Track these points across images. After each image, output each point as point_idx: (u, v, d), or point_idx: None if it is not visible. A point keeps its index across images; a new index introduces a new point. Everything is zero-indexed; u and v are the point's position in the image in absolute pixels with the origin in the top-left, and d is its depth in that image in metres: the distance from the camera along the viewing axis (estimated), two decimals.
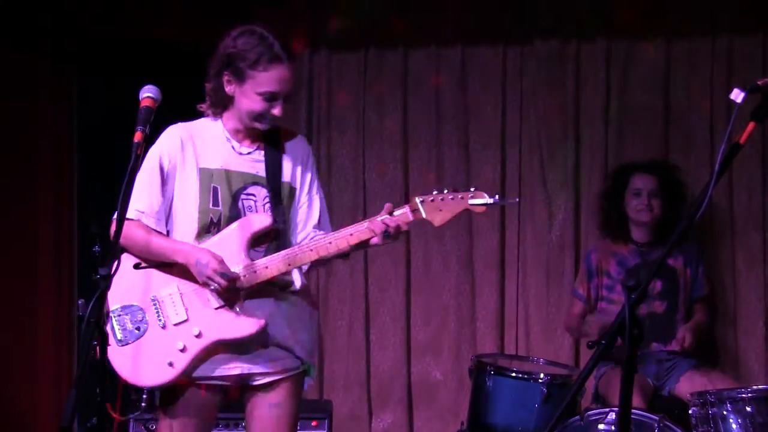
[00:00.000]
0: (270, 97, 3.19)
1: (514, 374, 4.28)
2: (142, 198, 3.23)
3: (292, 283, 3.31)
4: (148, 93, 3.00)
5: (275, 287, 3.27)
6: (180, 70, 4.40)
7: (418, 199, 3.19)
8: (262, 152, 3.32)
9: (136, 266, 3.25)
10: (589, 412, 3.96)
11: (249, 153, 3.32)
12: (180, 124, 3.34)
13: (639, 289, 2.34)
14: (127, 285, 3.22)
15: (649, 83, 5.26)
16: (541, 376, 4.21)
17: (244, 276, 3.17)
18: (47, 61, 5.37)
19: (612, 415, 3.88)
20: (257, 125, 3.25)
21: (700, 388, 4.13)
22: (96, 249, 4.90)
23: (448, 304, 5.40)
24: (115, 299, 3.21)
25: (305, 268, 3.35)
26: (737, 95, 2.40)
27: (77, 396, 2.59)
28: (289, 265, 3.20)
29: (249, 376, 3.27)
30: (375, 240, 3.18)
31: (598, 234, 5.07)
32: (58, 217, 5.48)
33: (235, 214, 3.25)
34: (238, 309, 3.20)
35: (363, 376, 5.41)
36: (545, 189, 5.32)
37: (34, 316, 5.33)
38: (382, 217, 3.16)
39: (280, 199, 3.30)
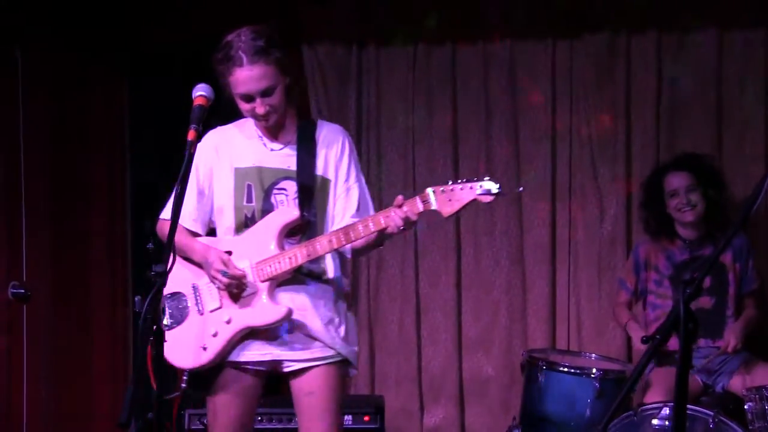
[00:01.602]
0: (246, 99, 3.30)
1: (566, 369, 4.25)
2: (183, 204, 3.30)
3: (324, 272, 3.42)
4: (201, 92, 3.06)
5: (307, 277, 3.38)
6: None
7: (429, 190, 3.23)
8: (295, 147, 3.42)
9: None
10: (643, 407, 3.93)
11: (281, 149, 3.42)
12: (216, 129, 3.48)
13: (694, 283, 2.32)
14: (174, 274, 3.26)
15: (701, 75, 5.20)
16: (594, 371, 4.18)
17: (264, 269, 3.30)
18: (103, 60, 5.44)
19: (666, 410, 3.85)
20: (260, 124, 3.39)
21: (755, 383, 4.09)
22: (150, 246, 4.95)
23: (498, 299, 5.39)
24: (167, 286, 3.28)
25: (348, 255, 3.49)
26: None
27: (134, 392, 2.63)
28: (308, 255, 3.28)
29: (279, 363, 3.40)
30: (390, 229, 3.24)
31: None
32: (111, 215, 5.54)
33: (268, 209, 3.38)
34: (266, 297, 3.32)
35: (414, 371, 5.42)
36: (596, 183, 5.28)
37: (90, 313, 5.40)
38: (393, 209, 3.22)
39: (312, 192, 3.39)
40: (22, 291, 4.68)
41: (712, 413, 3.82)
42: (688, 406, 3.78)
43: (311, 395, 3.38)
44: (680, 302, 2.30)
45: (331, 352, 3.41)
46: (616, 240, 5.26)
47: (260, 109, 3.29)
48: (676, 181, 4.71)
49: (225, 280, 3.29)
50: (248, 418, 3.49)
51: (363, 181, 3.52)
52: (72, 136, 5.29)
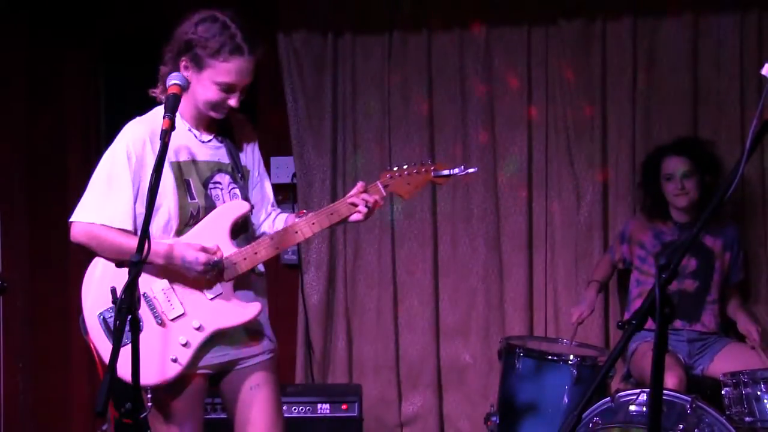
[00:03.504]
0: (227, 89, 3.17)
1: (543, 356, 4.27)
2: (111, 201, 3.17)
3: (262, 268, 3.40)
4: (175, 80, 3.03)
5: (251, 272, 3.33)
6: None
7: (387, 174, 3.32)
8: (220, 138, 3.34)
9: (120, 265, 3.03)
10: (620, 394, 3.95)
11: (209, 141, 3.32)
12: (139, 119, 3.28)
13: (670, 268, 2.32)
14: (113, 285, 2.98)
15: (676, 60, 5.20)
16: (571, 357, 4.20)
17: (228, 267, 3.21)
18: (76, 53, 5.40)
19: (643, 396, 3.87)
20: (213, 114, 3.24)
21: (733, 368, 4.11)
22: None
23: (476, 286, 5.39)
24: (102, 302, 3.19)
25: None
26: None
27: (111, 382, 2.62)
28: (277, 248, 3.26)
29: (236, 361, 3.33)
30: (356, 216, 3.28)
31: (629, 214, 5.08)
32: None
33: (209, 205, 3.25)
34: (233, 297, 3.25)
35: (392, 359, 5.42)
36: (572, 170, 5.29)
37: (67, 304, 5.37)
38: (359, 195, 3.26)
39: (245, 184, 3.36)
40: None
41: (689, 399, 3.83)
42: (666, 391, 3.80)
43: (258, 388, 3.33)
44: (656, 286, 2.30)
45: (272, 346, 3.43)
46: (592, 227, 5.26)
47: (235, 102, 3.19)
48: (673, 164, 4.73)
49: (215, 269, 3.18)
50: (198, 424, 3.33)
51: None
52: (47, 127, 5.27)
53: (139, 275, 2.76)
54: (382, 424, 5.38)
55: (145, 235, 2.80)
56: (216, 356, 3.28)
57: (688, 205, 4.71)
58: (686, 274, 4.71)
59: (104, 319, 3.20)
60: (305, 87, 5.41)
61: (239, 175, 3.34)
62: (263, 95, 5.41)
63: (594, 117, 5.27)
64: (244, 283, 3.31)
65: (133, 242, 2.96)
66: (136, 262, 2.77)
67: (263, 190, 3.49)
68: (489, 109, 5.36)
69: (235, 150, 3.35)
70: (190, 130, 3.29)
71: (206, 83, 3.17)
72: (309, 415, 4.56)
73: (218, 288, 3.23)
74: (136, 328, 2.81)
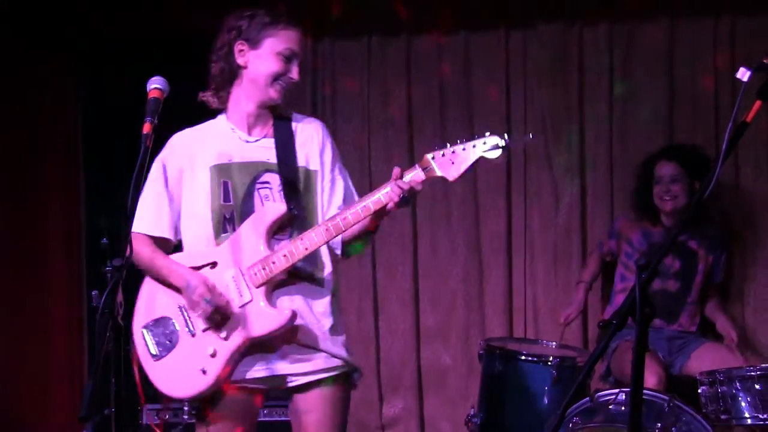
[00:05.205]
0: (290, 56, 3.14)
1: (523, 358, 4.27)
2: (149, 211, 3.17)
3: (320, 270, 3.17)
4: (155, 84, 2.98)
5: (301, 277, 3.13)
6: (187, 65, 4.39)
7: (429, 156, 3.04)
8: (272, 139, 3.21)
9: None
10: (599, 394, 3.97)
11: (257, 141, 3.22)
12: (184, 131, 3.28)
13: (649, 268, 2.34)
14: (156, 298, 3.14)
15: (652, 64, 5.25)
16: (551, 359, 4.21)
17: (257, 273, 3.05)
18: (53, 59, 5.39)
19: (622, 396, 3.89)
20: (273, 94, 3.16)
21: (709, 367, 4.14)
22: (104, 241, 4.92)
23: (456, 288, 5.42)
24: (145, 314, 3.16)
25: (337, 251, 3.23)
26: (743, 74, 2.40)
27: (93, 386, 2.60)
28: (306, 249, 3.03)
29: (280, 378, 3.13)
30: (390, 206, 3.02)
31: (607, 216, 5.13)
32: (66, 212, 5.51)
33: (249, 207, 3.14)
34: (264, 303, 3.05)
35: (373, 362, 5.43)
36: (551, 173, 5.32)
37: (46, 309, 5.36)
38: (394, 183, 3.01)
39: (296, 184, 3.17)
40: None
41: (667, 398, 3.86)
42: (644, 391, 3.82)
43: (306, 413, 3.14)
44: (636, 287, 2.32)
45: (336, 363, 3.16)
46: (571, 229, 5.30)
47: (296, 74, 3.15)
48: (663, 169, 4.77)
49: (209, 308, 3.02)
50: None
51: (346, 171, 3.34)
52: (23, 134, 5.25)
53: (121, 279, 2.69)
54: (364, 426, 5.38)
55: (127, 239, 2.75)
56: (257, 370, 3.11)
57: (673, 209, 4.74)
58: (670, 274, 4.76)
59: (146, 333, 3.15)
60: None
61: (292, 176, 3.17)
62: None
63: (572, 120, 5.30)
64: (287, 287, 3.12)
65: (160, 261, 3.12)
66: (117, 267, 2.75)
67: (333, 191, 3.25)
68: (467, 112, 5.39)
69: (290, 151, 3.20)
70: (233, 130, 3.22)
71: (267, 56, 3.15)
72: (289, 418, 4.56)
73: (248, 294, 3.07)
74: (119, 333, 2.79)
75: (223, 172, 3.16)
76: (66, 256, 5.47)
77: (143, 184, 2.84)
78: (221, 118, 3.26)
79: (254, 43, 3.15)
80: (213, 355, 3.05)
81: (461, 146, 3.03)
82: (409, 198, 3.01)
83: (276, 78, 3.15)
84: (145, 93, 2.98)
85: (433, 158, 3.03)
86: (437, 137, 5.38)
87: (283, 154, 3.19)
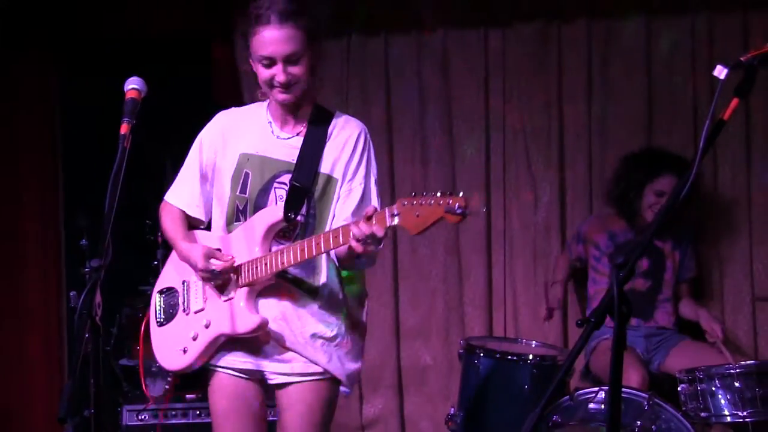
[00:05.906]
0: (268, 63, 3.02)
1: (503, 356, 4.28)
2: (179, 182, 3.28)
3: (316, 280, 3.12)
4: (133, 85, 2.97)
5: (293, 284, 3.11)
6: (164, 67, 4.38)
7: (403, 201, 2.71)
8: (302, 139, 3.12)
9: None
10: (579, 392, 3.99)
11: (288, 138, 3.15)
12: (228, 110, 3.28)
13: (627, 266, 2.35)
14: (173, 267, 3.27)
15: (630, 62, 5.27)
16: (530, 357, 4.22)
17: (244, 272, 3.06)
18: (30, 58, 5.35)
19: (602, 394, 3.90)
20: (279, 97, 3.07)
21: (688, 365, 4.16)
22: (83, 242, 4.91)
23: (436, 288, 5.42)
24: (162, 280, 3.30)
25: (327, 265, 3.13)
26: (720, 72, 2.40)
27: (72, 388, 2.59)
28: (283, 264, 2.97)
29: (261, 373, 3.16)
30: (355, 246, 2.79)
31: (586, 214, 5.14)
32: (44, 213, 5.48)
33: (263, 202, 3.11)
34: (243, 303, 3.07)
35: None
36: (530, 171, 5.33)
37: (23, 310, 5.33)
38: (361, 222, 2.78)
39: (305, 191, 3.06)
40: None
41: (646, 396, 3.88)
42: (624, 389, 3.83)
43: (285, 410, 3.14)
44: (613, 285, 2.32)
45: (313, 368, 3.12)
46: (550, 227, 5.31)
47: (281, 77, 2.99)
48: (670, 185, 4.68)
49: (207, 274, 3.08)
50: (254, 424, 3.21)
51: (372, 182, 3.16)
52: (0, 134, 5.21)
53: (99, 280, 2.67)
54: (344, 426, 5.37)
55: (105, 238, 2.73)
56: (238, 361, 3.16)
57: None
58: (638, 273, 4.76)
59: (159, 298, 3.30)
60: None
61: (307, 182, 3.07)
62: (221, 95, 5.38)
63: (551, 118, 5.31)
64: (277, 291, 3.11)
65: (172, 230, 3.23)
66: (96, 268, 2.73)
67: (346, 201, 3.11)
68: (447, 111, 5.39)
69: (314, 155, 3.09)
70: (269, 124, 3.18)
71: (255, 64, 3.07)
72: (270, 418, 4.54)
73: (231, 292, 3.11)
74: (97, 334, 2.77)
75: (248, 162, 3.14)
76: (44, 257, 5.44)
77: (120, 185, 2.78)
78: (263, 106, 3.21)
79: (249, 49, 3.11)
80: (194, 338, 3.15)
81: (431, 198, 2.68)
82: (370, 242, 2.78)
83: (269, 83, 3.08)
84: (123, 93, 2.98)
85: (404, 204, 2.71)
86: (416, 137, 5.40)
87: (304, 158, 3.10)
